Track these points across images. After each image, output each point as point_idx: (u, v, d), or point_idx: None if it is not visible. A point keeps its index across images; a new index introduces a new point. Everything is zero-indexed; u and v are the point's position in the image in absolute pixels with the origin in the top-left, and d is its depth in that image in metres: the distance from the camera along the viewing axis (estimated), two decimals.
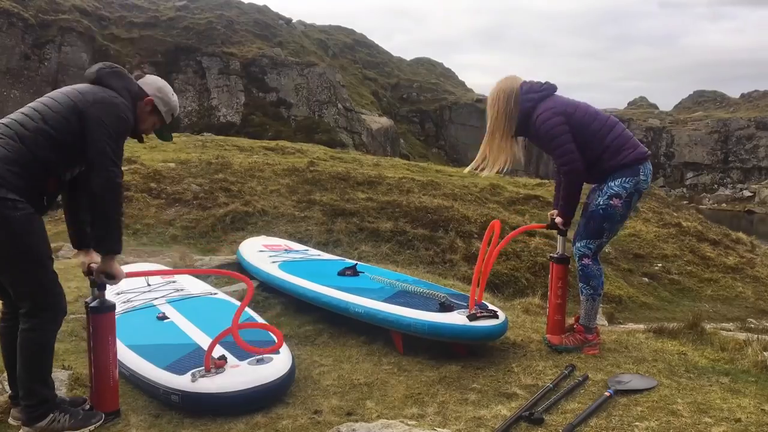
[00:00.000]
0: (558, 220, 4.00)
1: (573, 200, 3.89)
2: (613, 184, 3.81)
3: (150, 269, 5.11)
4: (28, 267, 2.83)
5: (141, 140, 3.37)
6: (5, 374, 3.26)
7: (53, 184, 2.95)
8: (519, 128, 3.93)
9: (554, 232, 4.14)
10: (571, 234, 4.15)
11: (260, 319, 4.14)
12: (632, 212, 4.05)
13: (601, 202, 3.83)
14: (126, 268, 5.48)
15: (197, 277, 5.23)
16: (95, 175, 2.86)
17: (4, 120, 2.90)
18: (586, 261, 3.91)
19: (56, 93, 3.00)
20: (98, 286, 3.08)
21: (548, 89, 3.91)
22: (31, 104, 2.97)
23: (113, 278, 3.03)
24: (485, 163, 4.01)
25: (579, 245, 3.95)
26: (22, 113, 2.91)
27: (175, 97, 3.31)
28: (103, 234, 2.95)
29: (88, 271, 3.10)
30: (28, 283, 2.85)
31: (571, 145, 3.75)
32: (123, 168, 3.04)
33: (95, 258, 3.08)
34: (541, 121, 3.79)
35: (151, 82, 3.24)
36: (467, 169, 4.21)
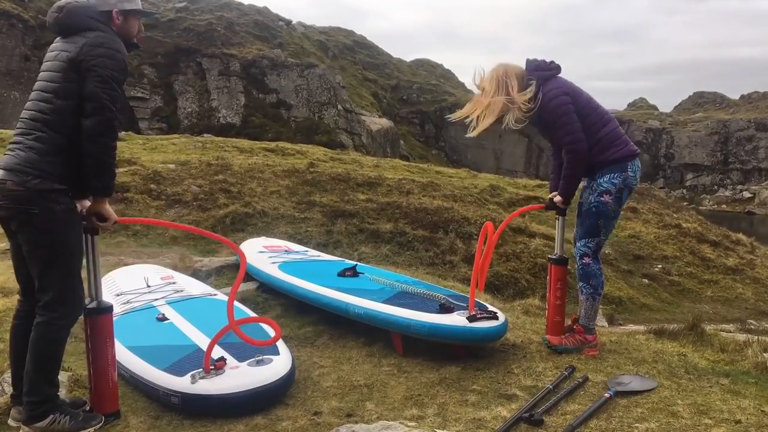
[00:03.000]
0: (557, 199, 4.00)
1: (574, 180, 3.89)
2: (602, 180, 3.84)
3: (146, 274, 5.11)
4: (60, 260, 2.89)
5: (138, 47, 3.27)
6: (4, 376, 3.27)
7: None
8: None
9: (553, 232, 4.14)
10: (570, 236, 4.15)
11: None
12: (622, 209, 4.02)
13: (592, 200, 3.86)
14: (127, 268, 5.53)
15: (194, 276, 5.22)
16: (88, 119, 2.85)
17: (25, 114, 2.94)
18: (586, 260, 3.92)
19: (49, 64, 2.98)
20: (90, 231, 3.06)
21: (556, 69, 3.92)
22: (37, 86, 2.98)
23: (105, 220, 3.02)
24: (472, 121, 3.89)
25: (579, 245, 3.96)
26: (36, 100, 2.93)
27: None
28: (94, 176, 2.93)
29: (81, 216, 3.08)
30: (55, 276, 2.90)
31: (577, 125, 3.76)
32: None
33: (87, 203, 3.08)
34: (549, 99, 3.79)
35: None
36: (453, 116, 4.00)
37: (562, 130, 3.79)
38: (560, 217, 4.10)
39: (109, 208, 3.02)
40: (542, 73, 3.86)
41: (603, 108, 3.95)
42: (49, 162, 2.83)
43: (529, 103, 3.80)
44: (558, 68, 3.92)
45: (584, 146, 3.77)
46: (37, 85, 2.99)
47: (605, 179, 3.83)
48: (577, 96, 3.84)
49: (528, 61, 3.93)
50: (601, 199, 3.83)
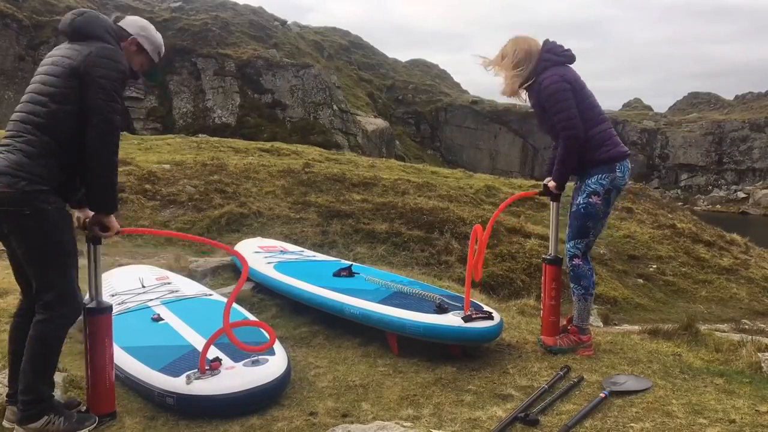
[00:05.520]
0: (551, 184, 4.01)
1: (568, 164, 3.90)
2: (590, 181, 3.86)
3: (141, 275, 5.09)
4: (56, 260, 2.89)
5: (136, 78, 3.31)
6: (1, 374, 3.26)
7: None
8: (525, 82, 3.94)
9: (549, 232, 4.15)
10: (564, 236, 4.16)
11: (253, 319, 4.13)
12: (612, 208, 4.03)
13: (581, 201, 3.88)
14: (122, 269, 5.51)
15: (190, 277, 5.21)
16: (91, 134, 2.85)
17: (16, 116, 2.92)
18: (576, 261, 3.94)
19: (48, 68, 2.97)
20: (93, 240, 3.07)
21: (568, 57, 3.95)
22: (31, 89, 2.96)
23: (107, 230, 3.03)
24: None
25: (569, 246, 3.98)
26: (29, 102, 2.92)
27: (159, 36, 3.28)
28: (96, 191, 2.95)
29: (83, 226, 3.09)
30: (52, 276, 2.90)
31: (574, 111, 3.78)
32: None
33: (89, 213, 3.08)
34: (549, 83, 3.81)
35: (132, 22, 3.20)
36: (482, 62, 4.08)
37: (559, 114, 3.81)
38: (554, 204, 4.10)
39: (112, 219, 3.03)
40: (551, 56, 3.90)
41: (600, 108, 3.97)
42: (39, 165, 2.82)
43: (516, 80, 3.89)
44: (569, 57, 3.95)
45: (580, 132, 3.78)
46: (32, 87, 2.97)
47: (593, 180, 3.85)
48: (579, 89, 3.87)
49: (545, 41, 3.96)
50: (590, 200, 3.85)
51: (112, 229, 3.03)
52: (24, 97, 2.97)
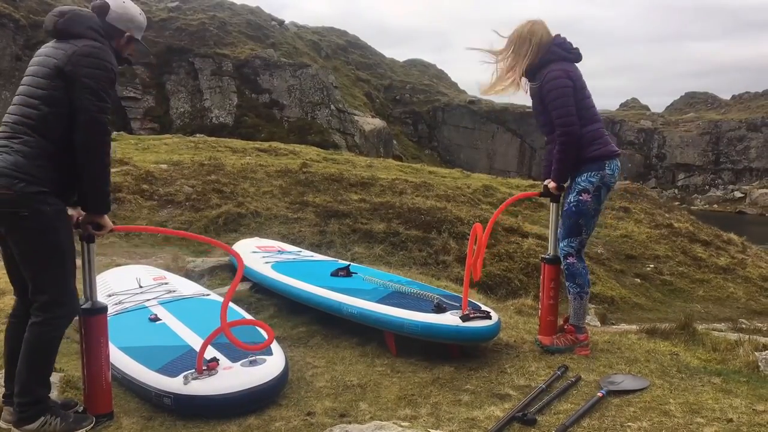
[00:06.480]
0: (551, 185, 4.01)
1: (565, 163, 3.91)
2: (580, 179, 3.88)
3: (138, 275, 5.08)
4: (53, 261, 2.88)
5: (131, 63, 3.30)
6: None
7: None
8: (529, 71, 3.93)
9: (546, 232, 4.15)
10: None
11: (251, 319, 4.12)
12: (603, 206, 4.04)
13: (572, 199, 3.90)
14: (120, 269, 5.50)
15: (187, 277, 5.20)
16: (80, 134, 2.84)
17: (9, 118, 2.91)
18: (570, 260, 3.94)
19: (35, 68, 2.95)
20: (86, 239, 3.05)
21: (576, 56, 3.96)
22: (21, 91, 2.95)
23: (100, 228, 3.02)
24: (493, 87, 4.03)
25: (562, 245, 3.99)
26: (21, 105, 2.91)
27: (143, 16, 3.21)
28: (88, 192, 2.94)
29: (76, 224, 3.08)
30: (50, 278, 2.89)
31: (572, 108, 3.80)
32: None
33: (82, 212, 3.07)
34: (551, 78, 3.82)
35: (120, 15, 3.08)
36: (482, 90, 4.11)
37: (558, 110, 3.81)
38: (554, 205, 4.10)
39: (105, 217, 3.02)
40: (559, 50, 3.90)
41: (595, 109, 3.99)
42: (37, 166, 2.80)
43: (508, 73, 3.90)
44: (577, 55, 3.96)
45: (577, 129, 3.80)
46: (22, 89, 2.96)
47: (583, 177, 3.87)
48: (580, 88, 3.88)
49: (557, 36, 3.95)
50: (580, 198, 3.86)
51: (105, 227, 3.03)
52: (15, 99, 2.96)
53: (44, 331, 2.90)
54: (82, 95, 2.82)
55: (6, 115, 2.94)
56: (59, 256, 2.90)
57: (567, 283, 4.00)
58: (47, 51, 2.97)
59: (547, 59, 3.87)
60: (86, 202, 2.99)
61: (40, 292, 2.90)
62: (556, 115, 3.82)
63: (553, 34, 3.96)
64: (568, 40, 3.99)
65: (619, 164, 3.98)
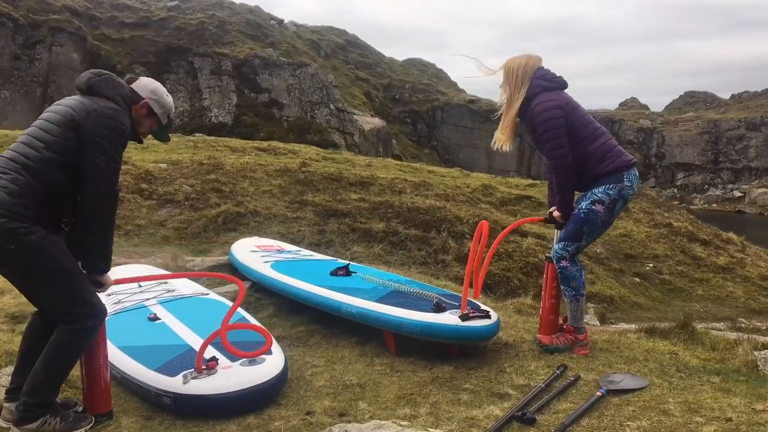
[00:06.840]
0: (556, 214, 4.00)
1: (567, 193, 3.90)
2: (597, 190, 3.83)
3: (138, 275, 5.09)
4: (59, 283, 2.87)
5: (140, 141, 3.36)
6: (2, 371, 3.25)
7: (69, 209, 2.96)
8: (520, 110, 3.93)
9: (546, 232, 4.14)
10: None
11: (252, 320, 4.13)
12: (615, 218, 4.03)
13: (583, 206, 3.85)
14: (117, 270, 5.50)
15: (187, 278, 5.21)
16: (88, 191, 2.87)
17: (6, 154, 2.90)
18: (563, 263, 3.92)
19: (51, 114, 2.97)
20: None
21: (560, 84, 3.93)
22: (29, 131, 2.96)
23: (101, 286, 3.05)
24: (500, 140, 4.04)
25: (557, 247, 3.96)
26: (24, 144, 2.91)
27: (169, 98, 3.32)
28: (90, 250, 2.96)
29: None
30: (62, 298, 2.89)
31: (563, 140, 3.76)
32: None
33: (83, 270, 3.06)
34: (540, 110, 3.79)
35: (145, 85, 3.23)
36: (496, 146, 4.12)
37: (548, 143, 3.80)
38: (558, 232, 4.10)
39: (107, 275, 3.04)
40: (541, 82, 3.86)
41: (596, 123, 3.94)
42: (20, 204, 2.77)
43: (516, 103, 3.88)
44: (561, 83, 3.92)
45: (568, 160, 3.77)
46: (30, 130, 2.96)
47: (600, 189, 3.82)
48: (571, 111, 3.84)
49: (538, 69, 3.92)
50: (593, 207, 3.82)
51: (105, 285, 3.06)
52: (21, 137, 2.96)
53: (71, 340, 2.92)
54: (95, 154, 2.85)
55: (6, 150, 2.94)
56: (61, 276, 2.88)
57: (562, 287, 3.99)
58: (69, 102, 2.99)
59: (532, 93, 3.84)
60: (87, 260, 2.99)
61: (60, 313, 2.92)
62: (547, 149, 3.81)
63: (540, 64, 3.93)
64: (552, 71, 3.96)
65: (637, 174, 3.91)
